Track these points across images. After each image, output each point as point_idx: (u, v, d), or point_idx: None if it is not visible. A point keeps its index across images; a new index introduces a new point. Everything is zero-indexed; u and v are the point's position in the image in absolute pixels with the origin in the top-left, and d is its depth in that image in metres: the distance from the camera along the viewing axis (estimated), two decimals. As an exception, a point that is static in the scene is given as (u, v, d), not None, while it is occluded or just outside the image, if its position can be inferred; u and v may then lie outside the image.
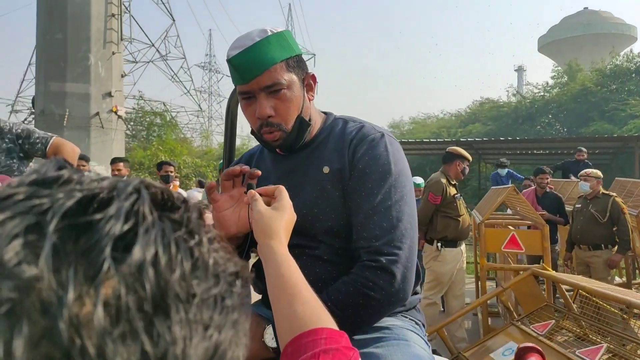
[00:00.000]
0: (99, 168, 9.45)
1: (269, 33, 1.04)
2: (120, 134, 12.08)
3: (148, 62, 22.13)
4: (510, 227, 4.12)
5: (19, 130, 2.40)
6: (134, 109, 24.50)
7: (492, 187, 5.60)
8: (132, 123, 24.65)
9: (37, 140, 2.41)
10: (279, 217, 0.88)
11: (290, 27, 50.54)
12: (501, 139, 14.98)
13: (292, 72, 1.06)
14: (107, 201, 0.29)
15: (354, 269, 0.98)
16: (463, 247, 4.17)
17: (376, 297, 0.95)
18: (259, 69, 1.01)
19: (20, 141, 2.38)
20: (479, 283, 4.38)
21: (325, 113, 1.21)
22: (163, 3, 22.15)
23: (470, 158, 4.23)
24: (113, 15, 11.78)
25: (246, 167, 0.99)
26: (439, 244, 4.04)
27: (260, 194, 0.94)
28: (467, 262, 7.58)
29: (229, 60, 1.03)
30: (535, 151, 15.43)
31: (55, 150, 2.42)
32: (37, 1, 11.39)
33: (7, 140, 2.36)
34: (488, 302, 3.62)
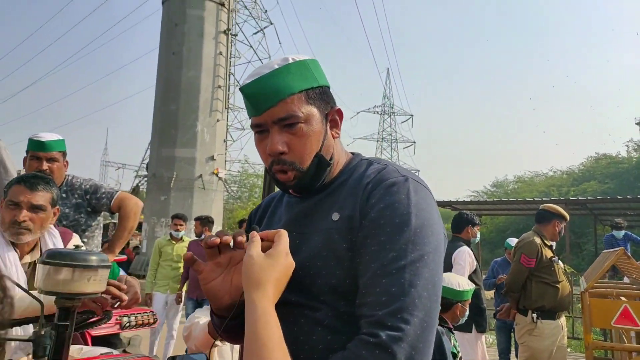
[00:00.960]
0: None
1: (290, 61, 0.94)
2: (220, 195, 12.83)
3: (254, 129, 23.64)
4: (622, 297, 3.49)
5: (87, 186, 2.58)
6: (238, 172, 26.24)
7: (604, 251, 4.89)
8: (236, 185, 26.31)
9: (103, 195, 2.56)
10: (269, 266, 0.78)
11: (389, 90, 51.73)
12: (619, 197, 13.39)
13: (312, 104, 0.94)
14: None
15: (350, 343, 0.79)
16: (563, 319, 3.60)
17: None
18: (272, 99, 0.91)
19: (88, 196, 2.55)
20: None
21: (353, 154, 1.07)
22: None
23: (567, 217, 3.75)
24: (219, 86, 12.92)
25: (228, 238, 0.88)
26: (535, 315, 3.53)
27: (262, 238, 0.84)
28: (578, 338, 6.62)
29: (242, 90, 0.94)
30: (664, 212, 13.52)
31: (119, 204, 2.55)
32: (157, 78, 12.93)
33: (76, 195, 2.54)
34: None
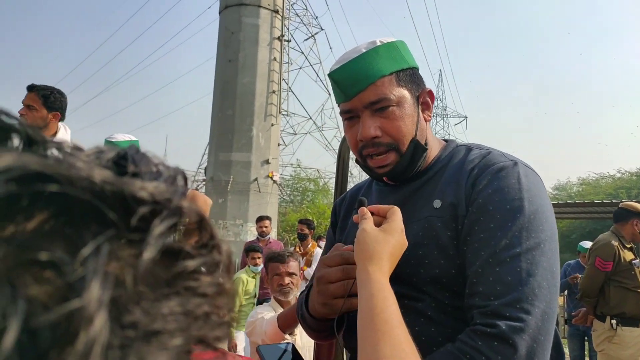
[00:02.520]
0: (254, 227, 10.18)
1: (378, 44, 0.92)
2: (274, 197, 13.02)
3: (306, 134, 24.01)
4: None
5: None
6: (291, 176, 26.59)
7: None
8: (289, 189, 26.66)
9: None
10: (384, 240, 0.76)
11: (441, 92, 50.76)
12: (701, 199, 12.35)
13: (403, 87, 0.91)
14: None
15: (462, 335, 0.75)
16: (648, 327, 3.33)
17: None
18: (362, 83, 0.89)
19: None
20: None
21: (446, 141, 1.02)
22: (320, 80, 24.19)
23: (650, 215, 3.48)
24: (274, 91, 13.14)
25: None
26: (614, 322, 3.30)
27: (372, 213, 0.82)
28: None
29: (331, 75, 0.93)
30: None
31: None
32: (214, 85, 13.34)
33: None
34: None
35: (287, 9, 14.86)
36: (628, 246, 3.46)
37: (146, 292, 0.19)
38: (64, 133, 2.71)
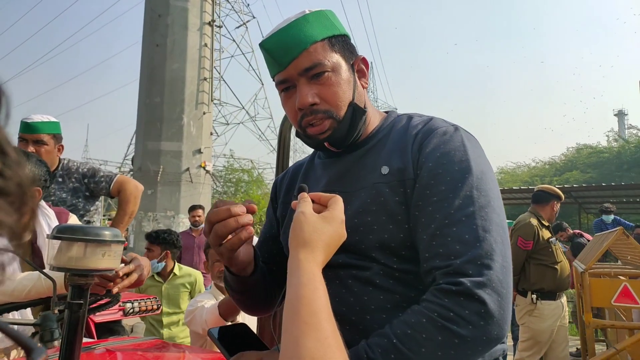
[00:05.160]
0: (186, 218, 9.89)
1: (307, 12, 0.91)
2: (207, 188, 12.69)
3: (239, 124, 23.58)
4: (621, 277, 3.53)
5: (85, 170, 2.48)
6: (224, 166, 26.05)
7: (596, 234, 4.95)
8: (222, 180, 26.12)
9: (102, 179, 2.47)
10: (322, 229, 0.72)
11: (372, 84, 51.89)
12: (603, 184, 13.63)
13: (337, 52, 0.91)
14: None
15: (427, 295, 0.75)
16: (564, 299, 3.63)
17: (462, 333, 0.70)
18: (295, 49, 0.87)
19: (86, 180, 2.46)
20: (587, 344, 3.74)
21: (387, 112, 1.02)
22: (253, 69, 23.77)
23: (563, 197, 3.78)
24: (205, 78, 12.74)
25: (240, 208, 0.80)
26: (534, 296, 3.55)
27: (313, 200, 0.78)
28: (570, 322, 6.70)
29: (262, 45, 0.90)
30: (646, 198, 13.81)
31: (119, 188, 2.47)
32: (140, 71, 12.69)
33: (73, 179, 2.45)
34: (599, 367, 3.04)
35: (218, -6, 14.41)
36: (546, 224, 3.73)
37: None
38: None
